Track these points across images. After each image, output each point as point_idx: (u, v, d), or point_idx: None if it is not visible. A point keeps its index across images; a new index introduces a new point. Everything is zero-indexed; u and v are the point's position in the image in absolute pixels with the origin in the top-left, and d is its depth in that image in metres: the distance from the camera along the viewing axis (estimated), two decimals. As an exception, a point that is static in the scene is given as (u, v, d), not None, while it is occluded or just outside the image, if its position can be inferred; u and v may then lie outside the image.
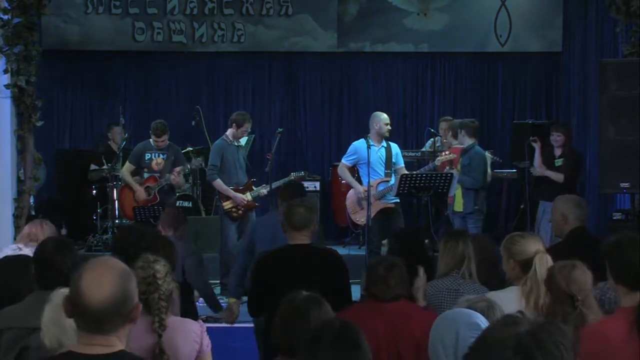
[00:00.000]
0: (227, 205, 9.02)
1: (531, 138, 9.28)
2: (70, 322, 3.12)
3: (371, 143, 8.86)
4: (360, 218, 9.08)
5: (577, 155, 9.26)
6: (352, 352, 2.64)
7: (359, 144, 8.97)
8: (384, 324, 4.14)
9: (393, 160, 8.97)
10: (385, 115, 9.06)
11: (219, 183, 9.02)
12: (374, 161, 8.85)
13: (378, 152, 8.94)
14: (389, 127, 9.00)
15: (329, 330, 2.67)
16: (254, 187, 9.15)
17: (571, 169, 8.91)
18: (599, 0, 9.65)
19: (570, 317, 3.61)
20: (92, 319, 2.49)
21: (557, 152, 9.04)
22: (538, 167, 9.10)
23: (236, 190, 9.05)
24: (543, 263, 4.16)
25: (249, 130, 9.28)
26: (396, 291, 4.28)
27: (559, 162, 9.01)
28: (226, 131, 9.22)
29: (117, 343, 2.54)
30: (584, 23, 10.78)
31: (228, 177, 9.06)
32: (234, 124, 9.08)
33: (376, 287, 4.31)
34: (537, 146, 9.11)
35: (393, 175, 8.86)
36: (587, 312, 3.66)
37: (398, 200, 8.94)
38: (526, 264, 4.24)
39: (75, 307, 2.51)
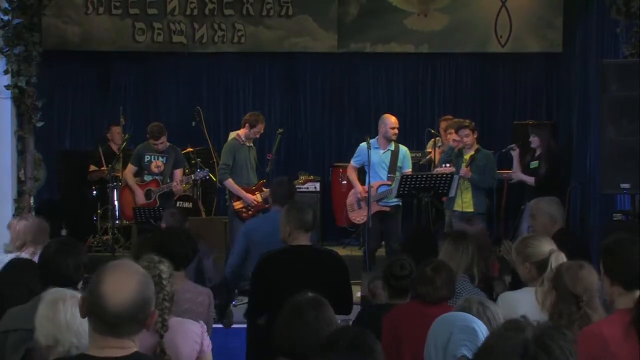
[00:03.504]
0: (237, 205, 9.03)
1: (510, 146, 9.43)
2: (66, 319, 3.12)
3: (375, 145, 8.91)
4: (356, 217, 9.14)
5: (551, 157, 9.33)
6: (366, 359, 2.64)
7: (363, 145, 9.03)
8: (425, 326, 4.12)
9: (399, 164, 8.96)
10: (393, 119, 9.09)
11: (230, 183, 9.04)
12: (375, 163, 8.89)
13: (382, 154, 8.97)
14: (395, 130, 9.02)
15: (343, 337, 2.67)
16: (264, 188, 9.14)
17: (542, 171, 9.05)
18: (599, 1, 9.65)
19: (575, 317, 3.62)
20: (110, 322, 2.46)
21: (537, 153, 9.28)
22: (513, 173, 9.33)
23: (247, 190, 9.06)
24: (559, 262, 4.15)
25: (262, 131, 9.28)
26: (442, 293, 4.28)
27: (533, 165, 9.20)
28: (237, 130, 9.27)
29: (131, 345, 2.53)
30: (585, 24, 10.77)
31: (239, 177, 9.08)
32: (247, 124, 9.12)
33: (423, 287, 4.30)
34: (514, 154, 9.28)
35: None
36: (591, 313, 3.66)
37: (399, 204, 8.93)
38: (542, 265, 4.24)
39: (93, 309, 2.47)
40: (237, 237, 6.42)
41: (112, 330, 2.48)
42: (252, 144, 9.29)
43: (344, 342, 2.65)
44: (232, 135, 9.61)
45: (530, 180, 9.17)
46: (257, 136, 9.30)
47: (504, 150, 9.58)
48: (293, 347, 3.22)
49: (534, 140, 9.27)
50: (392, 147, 9.01)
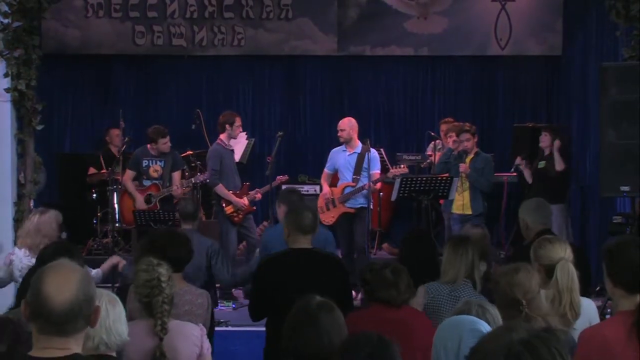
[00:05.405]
0: (228, 210, 9.06)
1: (516, 164, 9.93)
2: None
3: (343, 148, 9.16)
4: (325, 219, 9.15)
5: (566, 156, 9.56)
6: None
7: (333, 150, 9.30)
8: (386, 331, 4.13)
9: (364, 165, 9.00)
10: (340, 123, 9.24)
11: (221, 188, 9.05)
12: (341, 165, 9.11)
13: (348, 157, 9.10)
14: (339, 133, 9.15)
15: (366, 344, 2.67)
16: (249, 192, 9.19)
17: (552, 172, 9.42)
18: (599, 4, 9.64)
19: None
20: (55, 322, 2.49)
21: (545, 153, 9.58)
22: (529, 180, 9.76)
23: (234, 194, 9.09)
24: (565, 272, 4.13)
25: (240, 124, 9.32)
26: (405, 296, 4.29)
27: (541, 164, 9.34)
28: (219, 136, 9.24)
29: (73, 346, 2.54)
30: (584, 27, 10.77)
31: (226, 181, 9.12)
32: (226, 125, 9.13)
33: (386, 291, 4.29)
34: (523, 167, 9.83)
35: (362, 179, 8.92)
36: (533, 315, 3.65)
37: (364, 206, 8.94)
38: (550, 270, 4.20)
39: (37, 310, 2.49)
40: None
41: (58, 330, 2.50)
42: (233, 149, 9.35)
43: (367, 350, 2.68)
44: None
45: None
46: (239, 131, 9.35)
47: (512, 169, 9.93)
48: (305, 350, 3.20)
49: (545, 140, 9.46)
50: (359, 150, 9.05)
